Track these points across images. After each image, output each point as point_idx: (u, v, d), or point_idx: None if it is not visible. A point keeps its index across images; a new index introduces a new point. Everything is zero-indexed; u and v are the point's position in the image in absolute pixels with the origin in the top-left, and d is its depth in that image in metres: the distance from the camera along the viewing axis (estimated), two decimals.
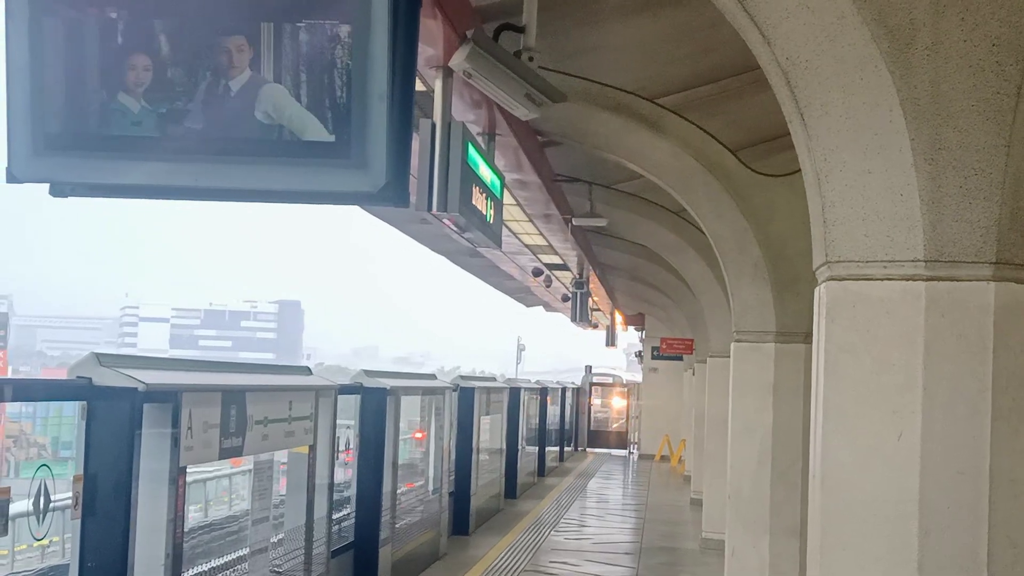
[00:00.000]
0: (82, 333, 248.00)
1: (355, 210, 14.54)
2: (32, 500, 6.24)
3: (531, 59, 6.86)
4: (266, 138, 5.22)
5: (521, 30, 7.02)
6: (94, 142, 5.47)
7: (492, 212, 8.74)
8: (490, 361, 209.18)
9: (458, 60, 6.54)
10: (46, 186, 5.69)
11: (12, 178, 5.51)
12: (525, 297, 34.58)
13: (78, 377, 6.33)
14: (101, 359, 6.39)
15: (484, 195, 8.27)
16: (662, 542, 18.30)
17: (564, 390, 37.01)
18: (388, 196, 5.20)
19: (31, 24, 5.34)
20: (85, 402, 6.34)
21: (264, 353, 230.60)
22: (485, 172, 8.28)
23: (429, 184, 7.21)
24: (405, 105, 5.24)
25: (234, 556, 8.58)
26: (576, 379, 47.03)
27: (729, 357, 12.33)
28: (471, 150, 7.59)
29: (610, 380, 49.44)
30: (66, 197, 5.68)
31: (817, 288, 5.03)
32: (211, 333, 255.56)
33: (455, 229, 7.91)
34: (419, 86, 8.09)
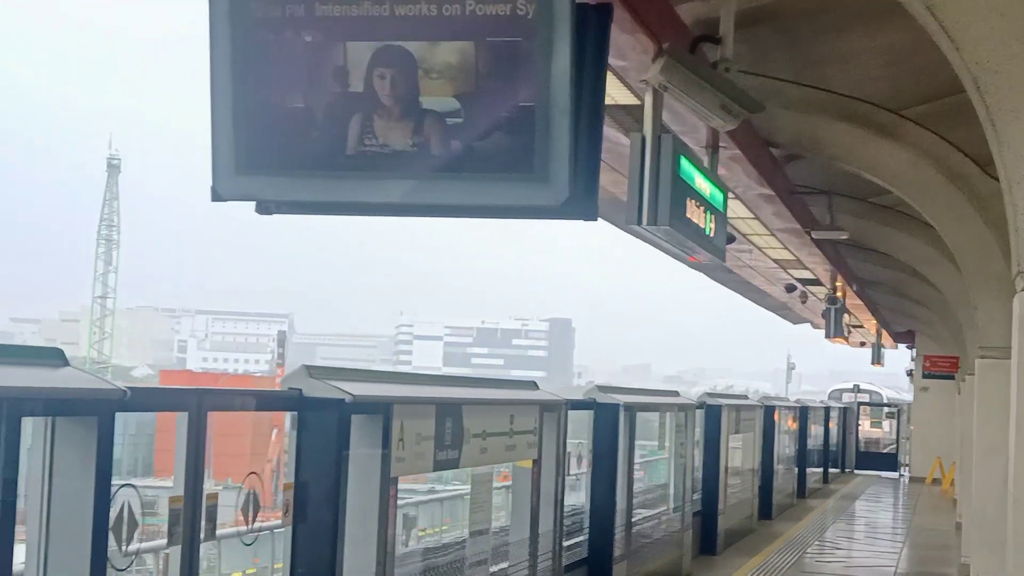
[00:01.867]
0: (358, 351, 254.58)
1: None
2: None
3: (727, 70, 6.77)
4: (451, 154, 5.31)
5: (718, 41, 6.94)
6: (295, 160, 5.66)
7: (713, 225, 8.61)
8: (762, 380, 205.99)
9: (653, 73, 6.51)
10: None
11: (217, 196, 5.74)
12: (788, 314, 34.03)
13: (290, 388, 6.53)
14: (311, 371, 6.55)
15: (702, 208, 8.16)
16: (919, 567, 17.74)
17: (828, 409, 36.13)
18: (572, 210, 5.23)
19: (233, 47, 5.55)
20: (296, 413, 6.53)
21: (535, 371, 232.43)
22: (703, 185, 8.17)
23: (639, 197, 7.17)
24: (593, 119, 5.25)
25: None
26: (839, 397, 45.92)
27: None
28: (684, 163, 7.51)
29: (874, 398, 48.06)
30: (271, 215, 5.88)
31: (1015, 299, 4.81)
32: (483, 351, 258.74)
33: (663, 241, 7.85)
34: (632, 99, 8.09)
